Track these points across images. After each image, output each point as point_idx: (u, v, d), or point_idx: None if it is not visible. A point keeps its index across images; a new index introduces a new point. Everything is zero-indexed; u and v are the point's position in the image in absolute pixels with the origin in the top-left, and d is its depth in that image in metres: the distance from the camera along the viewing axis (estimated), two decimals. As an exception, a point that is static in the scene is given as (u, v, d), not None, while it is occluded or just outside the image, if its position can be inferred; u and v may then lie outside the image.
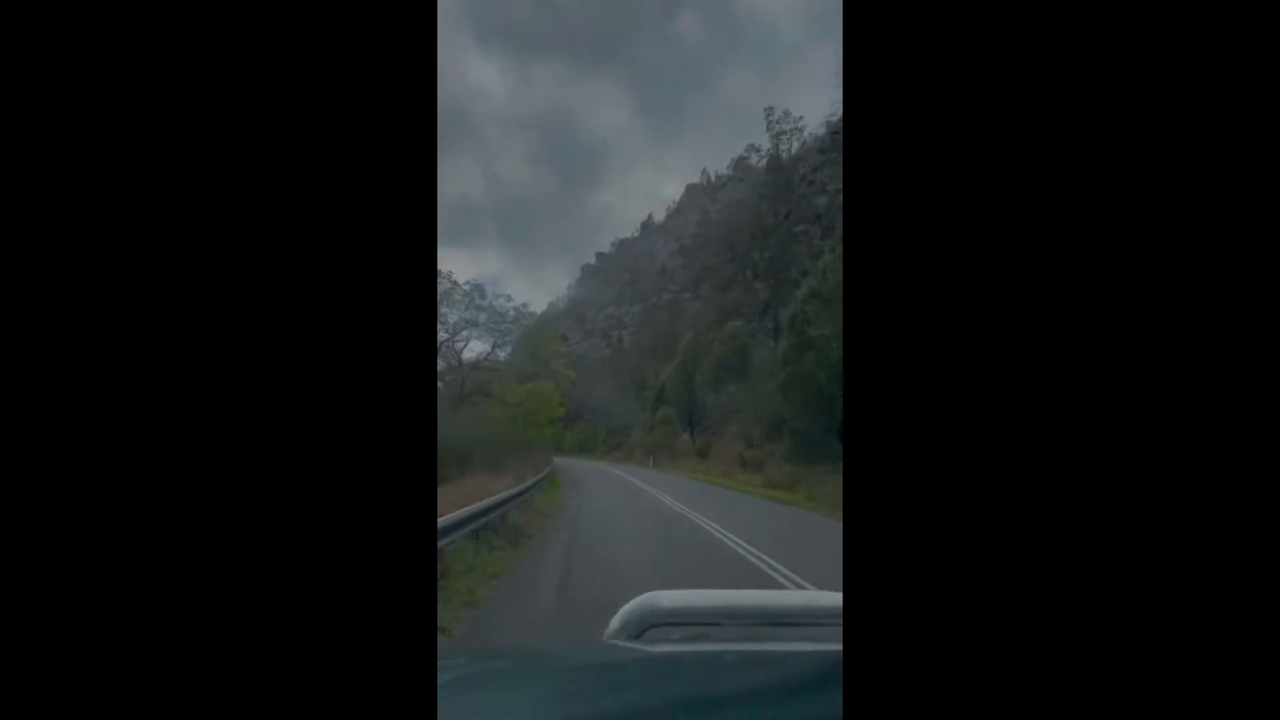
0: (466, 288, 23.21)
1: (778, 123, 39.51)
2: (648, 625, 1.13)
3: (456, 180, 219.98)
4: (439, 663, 0.92)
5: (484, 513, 7.05)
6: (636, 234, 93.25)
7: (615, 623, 1.14)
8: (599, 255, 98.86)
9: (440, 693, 0.82)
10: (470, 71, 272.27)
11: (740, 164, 63.72)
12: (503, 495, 8.45)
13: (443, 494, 6.55)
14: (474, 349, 24.48)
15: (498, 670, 1.06)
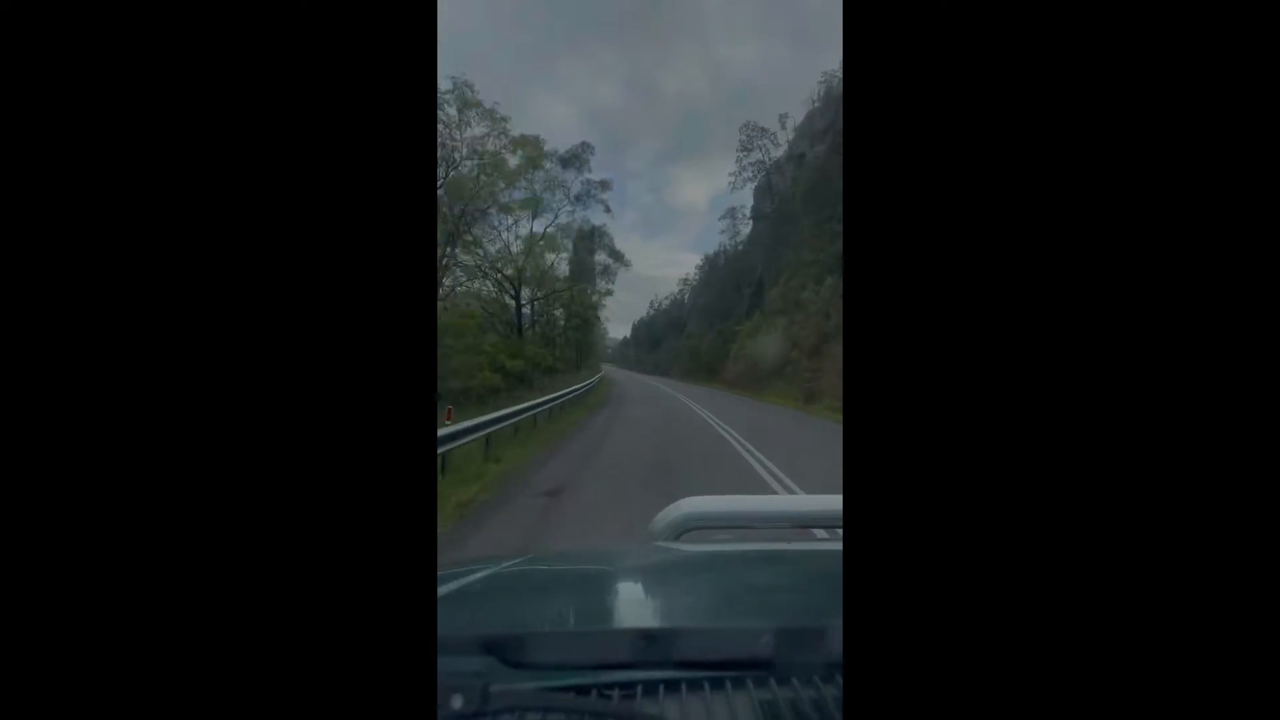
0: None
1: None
2: (686, 528, 1.19)
3: (673, 76, 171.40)
4: (493, 561, 1.00)
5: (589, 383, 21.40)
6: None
7: (655, 526, 1.19)
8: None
9: (492, 590, 0.87)
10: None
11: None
12: (595, 378, 24.84)
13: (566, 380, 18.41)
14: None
15: (546, 567, 1.13)
